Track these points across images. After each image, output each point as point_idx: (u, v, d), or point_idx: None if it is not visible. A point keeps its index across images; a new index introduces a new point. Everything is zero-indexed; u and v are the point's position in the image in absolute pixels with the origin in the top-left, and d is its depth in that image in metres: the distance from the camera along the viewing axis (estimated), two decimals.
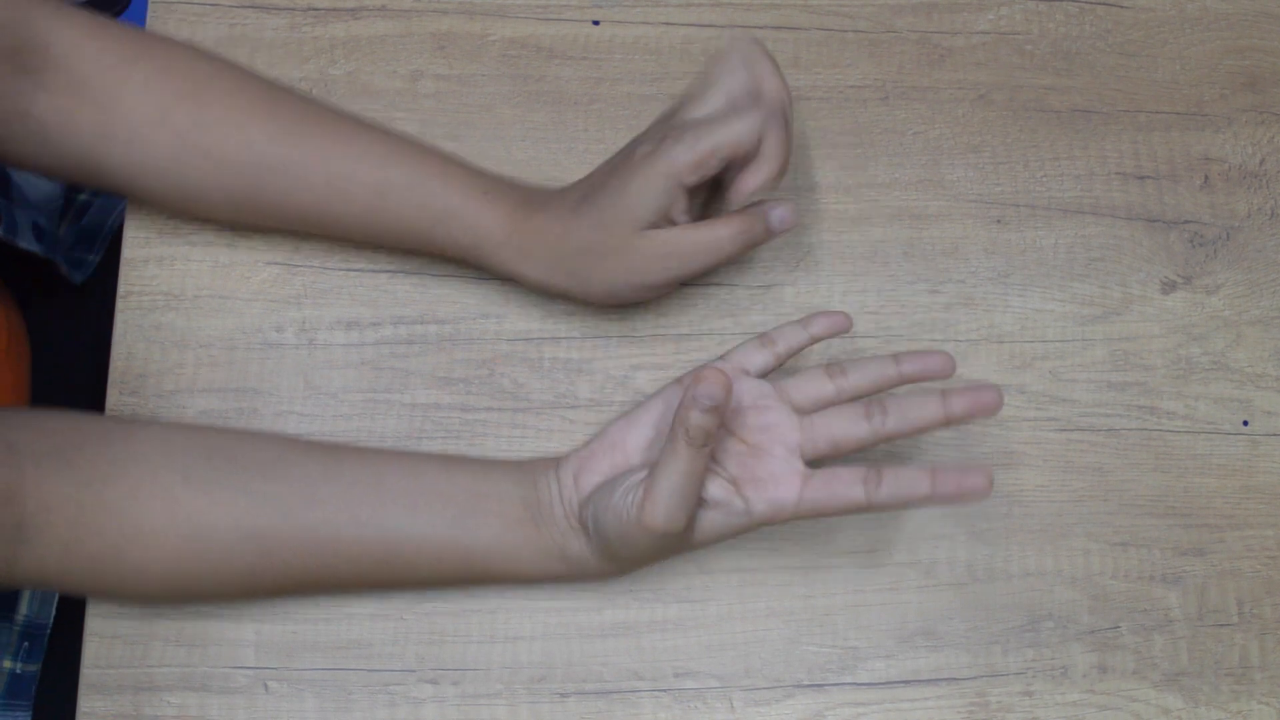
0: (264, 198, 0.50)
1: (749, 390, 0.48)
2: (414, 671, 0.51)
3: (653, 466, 0.43)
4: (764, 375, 0.49)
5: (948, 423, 0.46)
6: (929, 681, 0.53)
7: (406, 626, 0.52)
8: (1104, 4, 0.62)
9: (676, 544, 0.45)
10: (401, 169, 0.50)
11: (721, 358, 0.49)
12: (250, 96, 0.50)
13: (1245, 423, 0.57)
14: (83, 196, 0.72)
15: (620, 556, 0.47)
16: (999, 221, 0.58)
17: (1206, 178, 0.60)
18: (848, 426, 0.46)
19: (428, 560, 0.47)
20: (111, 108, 0.48)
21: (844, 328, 0.50)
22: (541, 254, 0.50)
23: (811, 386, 0.48)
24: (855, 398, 0.48)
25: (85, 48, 0.48)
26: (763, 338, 0.49)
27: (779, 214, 0.50)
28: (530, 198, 0.51)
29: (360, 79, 0.57)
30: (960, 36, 0.60)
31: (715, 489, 0.45)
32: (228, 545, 0.46)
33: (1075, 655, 0.53)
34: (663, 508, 0.43)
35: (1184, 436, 0.56)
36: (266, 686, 0.51)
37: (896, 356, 0.47)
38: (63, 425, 0.46)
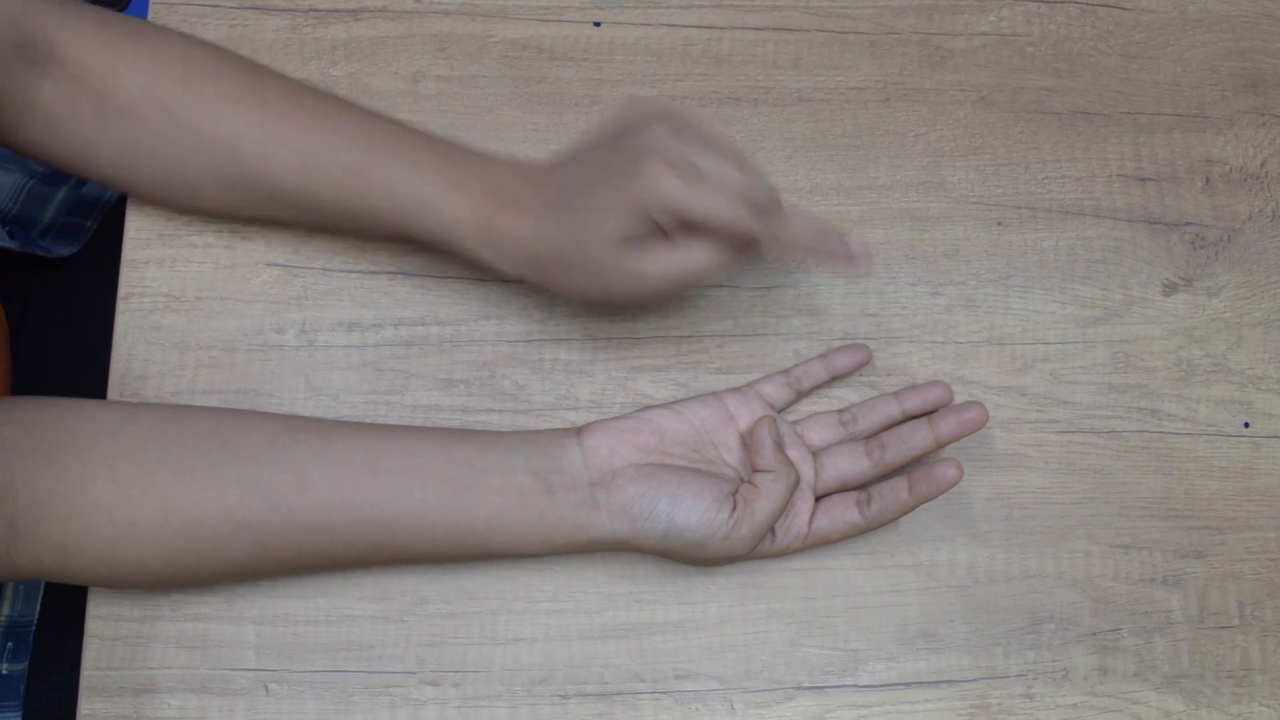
0: (244, 176, 0.51)
1: (784, 431, 0.52)
2: (415, 673, 0.51)
3: (752, 491, 0.48)
4: (783, 409, 0.54)
5: (938, 445, 0.51)
6: (930, 683, 0.53)
7: (407, 628, 0.52)
8: (1105, 6, 0.62)
9: (712, 558, 0.49)
10: (371, 153, 0.50)
11: (749, 385, 0.53)
12: (236, 75, 0.51)
13: (1246, 425, 0.57)
14: None
15: (667, 549, 0.48)
16: (1000, 223, 0.58)
17: (1208, 180, 0.60)
18: (852, 464, 0.51)
19: (423, 540, 0.47)
20: (108, 90, 0.50)
21: (864, 362, 0.55)
22: (511, 250, 0.49)
23: (828, 431, 0.53)
24: (863, 437, 0.53)
25: (89, 39, 0.50)
26: (788, 376, 0.54)
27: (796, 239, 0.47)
28: (502, 187, 0.50)
29: (361, 80, 0.57)
30: (961, 38, 0.60)
31: None
32: (222, 537, 0.46)
33: (1076, 657, 0.53)
34: (760, 532, 0.48)
35: (1185, 438, 0.56)
36: (267, 688, 0.51)
37: (898, 395, 0.53)
38: (51, 418, 0.46)
